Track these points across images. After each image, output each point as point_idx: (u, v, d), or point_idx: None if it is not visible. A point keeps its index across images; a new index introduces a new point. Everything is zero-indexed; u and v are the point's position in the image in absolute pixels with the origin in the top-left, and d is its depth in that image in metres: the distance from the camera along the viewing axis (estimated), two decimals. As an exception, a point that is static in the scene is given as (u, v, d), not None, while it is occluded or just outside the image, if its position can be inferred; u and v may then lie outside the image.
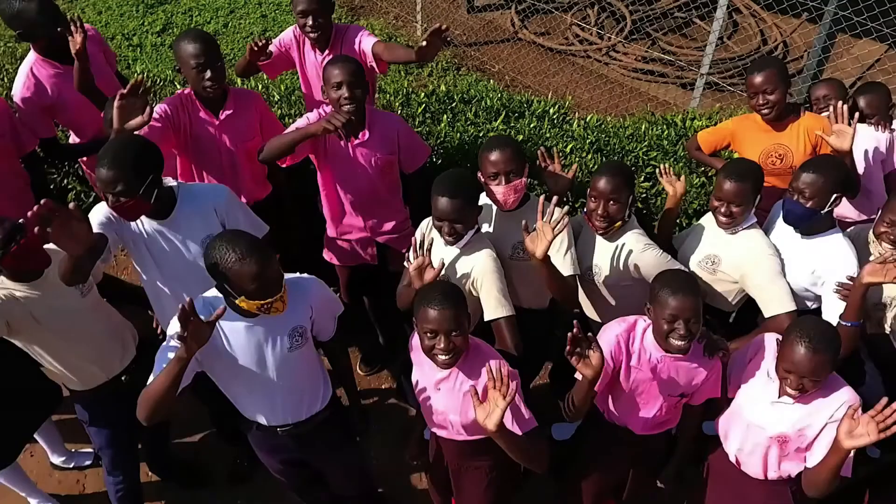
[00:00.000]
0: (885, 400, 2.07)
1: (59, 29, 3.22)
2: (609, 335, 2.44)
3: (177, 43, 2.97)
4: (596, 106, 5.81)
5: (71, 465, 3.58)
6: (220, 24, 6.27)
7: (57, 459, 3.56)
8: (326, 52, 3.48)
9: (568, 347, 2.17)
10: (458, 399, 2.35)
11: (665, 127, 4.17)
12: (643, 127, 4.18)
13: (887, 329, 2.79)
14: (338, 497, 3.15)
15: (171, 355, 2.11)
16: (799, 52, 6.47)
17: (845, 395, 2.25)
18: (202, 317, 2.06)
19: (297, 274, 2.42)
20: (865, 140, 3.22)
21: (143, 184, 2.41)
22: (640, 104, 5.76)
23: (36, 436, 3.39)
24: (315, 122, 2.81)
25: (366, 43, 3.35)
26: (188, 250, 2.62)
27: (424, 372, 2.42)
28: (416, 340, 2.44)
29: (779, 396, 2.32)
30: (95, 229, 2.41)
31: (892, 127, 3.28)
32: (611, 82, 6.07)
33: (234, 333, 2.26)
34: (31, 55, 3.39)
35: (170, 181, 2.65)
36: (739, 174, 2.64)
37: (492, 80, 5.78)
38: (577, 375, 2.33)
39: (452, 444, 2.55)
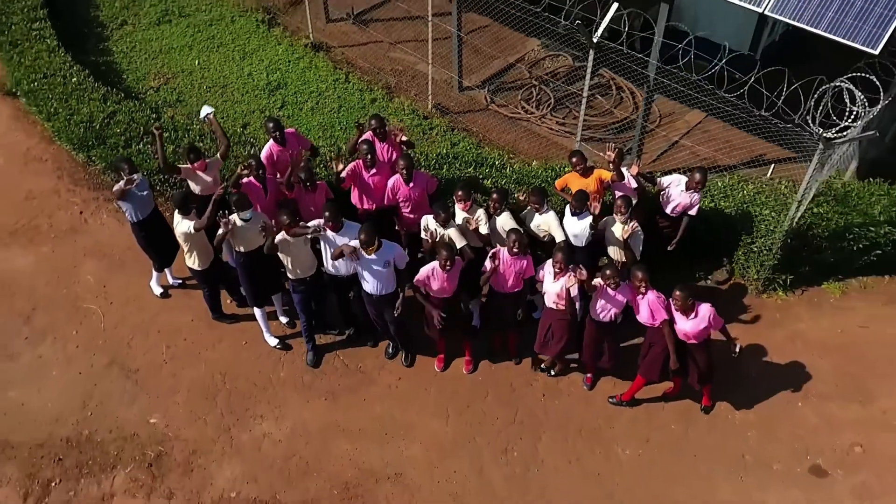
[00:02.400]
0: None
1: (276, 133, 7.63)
2: (495, 251, 6.92)
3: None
4: (531, 153, 10.23)
5: (285, 321, 8.09)
6: (314, 102, 10.75)
7: (280, 315, 8.08)
8: (385, 142, 7.89)
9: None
10: (454, 282, 6.79)
11: (551, 171, 8.63)
12: (541, 171, 8.65)
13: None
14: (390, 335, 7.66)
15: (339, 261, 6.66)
16: (655, 116, 10.90)
17: (571, 280, 6.68)
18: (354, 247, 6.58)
19: (393, 243, 6.91)
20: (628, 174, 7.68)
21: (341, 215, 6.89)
22: (557, 152, 10.17)
23: (274, 299, 7.88)
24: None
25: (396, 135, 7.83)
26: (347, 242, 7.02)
27: (437, 273, 6.82)
28: (431, 266, 6.83)
29: (553, 280, 6.79)
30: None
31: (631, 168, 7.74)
32: (541, 138, 10.50)
33: (369, 260, 6.72)
34: (271, 141, 7.77)
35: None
36: (537, 198, 7.12)
37: (471, 137, 10.27)
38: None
39: (442, 300, 6.98)
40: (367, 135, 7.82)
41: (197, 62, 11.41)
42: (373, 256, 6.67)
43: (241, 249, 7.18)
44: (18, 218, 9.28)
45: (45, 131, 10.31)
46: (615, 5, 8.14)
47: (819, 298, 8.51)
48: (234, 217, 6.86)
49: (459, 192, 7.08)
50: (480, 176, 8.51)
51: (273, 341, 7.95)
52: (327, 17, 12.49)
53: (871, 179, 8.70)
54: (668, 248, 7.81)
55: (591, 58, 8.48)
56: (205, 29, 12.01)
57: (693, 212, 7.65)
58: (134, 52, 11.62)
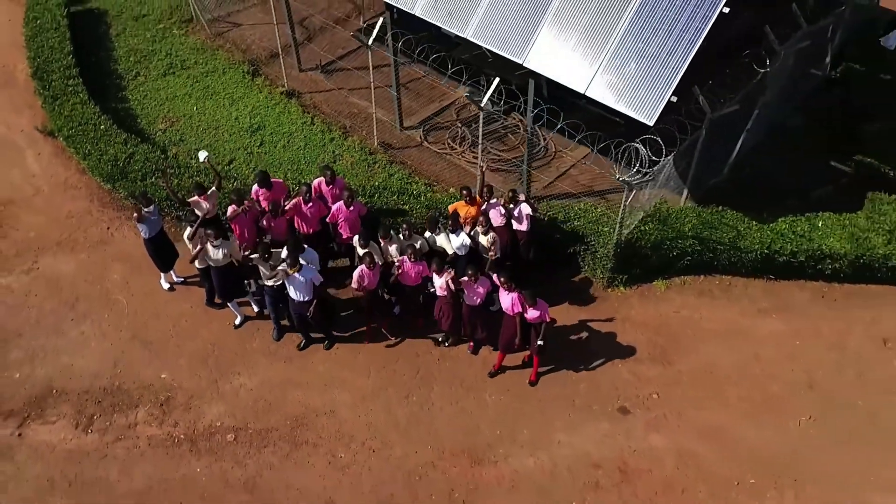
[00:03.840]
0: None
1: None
2: (399, 261, 10.09)
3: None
4: (452, 181, 13.29)
5: (256, 309, 11.23)
6: (286, 142, 13.86)
7: (253, 304, 11.23)
8: (331, 185, 11.03)
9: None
10: (376, 277, 9.98)
11: (453, 199, 11.74)
12: (446, 198, 11.77)
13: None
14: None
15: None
16: (551, 151, 13.99)
17: (446, 276, 9.83)
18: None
19: (312, 267, 10.03)
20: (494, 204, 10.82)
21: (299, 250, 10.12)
22: (472, 181, 13.25)
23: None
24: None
25: (344, 182, 10.98)
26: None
27: (365, 271, 9.97)
28: (361, 266, 10.00)
29: (438, 277, 9.93)
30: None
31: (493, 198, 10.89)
32: (461, 169, 13.59)
33: (297, 277, 9.82)
34: (256, 186, 10.88)
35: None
36: (430, 225, 10.31)
37: (405, 169, 13.39)
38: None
39: (373, 292, 10.15)
40: (317, 181, 11.00)
41: (195, 108, 14.53)
42: (296, 275, 9.79)
43: (212, 264, 10.33)
44: (62, 232, 12.44)
45: (78, 164, 13.46)
46: (497, 80, 11.26)
47: (649, 292, 11.65)
48: (209, 245, 10.00)
49: (382, 233, 10.25)
50: (402, 203, 11.66)
51: (237, 321, 11.12)
52: (300, 67, 15.61)
53: (689, 204, 11.86)
54: (531, 245, 10.99)
55: (480, 118, 11.63)
56: (201, 79, 15.13)
57: (528, 211, 10.69)
58: (146, 99, 14.75)
